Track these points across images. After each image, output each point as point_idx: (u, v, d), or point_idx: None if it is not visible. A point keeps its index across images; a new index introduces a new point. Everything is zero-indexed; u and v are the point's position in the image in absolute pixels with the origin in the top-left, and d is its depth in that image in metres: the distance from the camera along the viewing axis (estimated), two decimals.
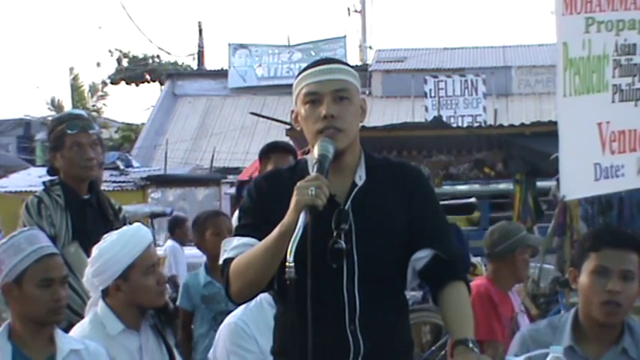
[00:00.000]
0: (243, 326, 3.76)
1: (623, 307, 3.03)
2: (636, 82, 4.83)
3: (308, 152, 2.78)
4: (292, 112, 2.81)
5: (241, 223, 2.78)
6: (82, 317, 3.55)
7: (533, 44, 28.05)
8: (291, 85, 2.87)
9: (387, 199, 2.75)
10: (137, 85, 34.75)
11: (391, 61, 28.02)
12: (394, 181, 2.79)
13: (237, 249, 2.70)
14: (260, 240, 2.63)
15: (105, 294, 3.38)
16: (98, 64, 42.29)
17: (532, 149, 9.42)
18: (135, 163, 20.66)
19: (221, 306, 4.91)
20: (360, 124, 2.82)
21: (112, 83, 34.40)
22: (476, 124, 17.97)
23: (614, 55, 4.80)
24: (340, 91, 2.72)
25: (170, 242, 10.56)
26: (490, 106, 23.59)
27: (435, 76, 23.90)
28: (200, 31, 32.21)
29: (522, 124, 11.12)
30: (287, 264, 2.42)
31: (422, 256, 2.73)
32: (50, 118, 14.60)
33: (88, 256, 3.49)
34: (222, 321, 4.79)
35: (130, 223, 3.78)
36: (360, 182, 2.75)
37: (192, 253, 8.69)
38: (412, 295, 7.64)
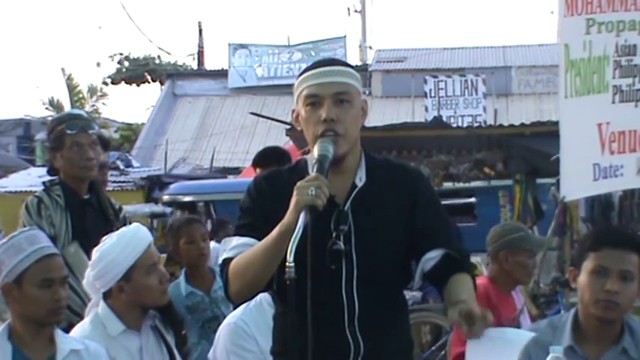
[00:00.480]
0: (243, 326, 3.76)
1: (621, 306, 3.03)
2: (636, 83, 4.83)
3: (308, 152, 2.78)
4: (293, 111, 2.81)
5: (241, 223, 2.77)
6: (82, 318, 3.55)
7: (533, 44, 28.07)
8: (291, 85, 2.87)
9: (387, 201, 2.75)
10: (137, 85, 34.77)
11: (391, 61, 28.01)
12: (394, 183, 2.78)
13: (236, 249, 2.69)
14: (260, 240, 2.62)
15: (107, 295, 3.38)
16: (98, 64, 42.20)
17: (532, 149, 9.43)
18: (135, 163, 20.64)
19: (207, 314, 4.85)
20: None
21: (112, 83, 34.41)
22: (476, 124, 17.99)
23: (615, 56, 4.81)
24: (341, 94, 2.71)
25: (213, 244, 10.50)
26: (490, 106, 23.60)
27: (435, 76, 23.91)
28: (200, 31, 32.22)
29: (522, 124, 11.13)
30: (287, 264, 2.42)
31: (433, 256, 2.73)
32: (50, 118, 14.60)
33: (89, 256, 3.49)
34: (210, 327, 4.80)
35: (130, 223, 3.79)
36: (360, 183, 2.75)
37: None
38: (412, 295, 7.65)
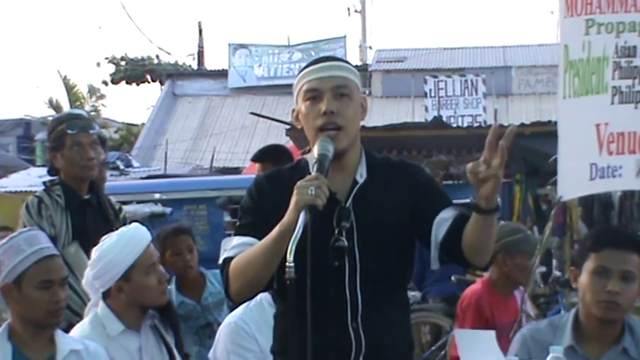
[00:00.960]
0: (244, 326, 3.76)
1: (622, 306, 3.04)
2: (636, 85, 4.82)
3: (308, 152, 2.79)
4: (293, 110, 2.82)
5: (241, 223, 2.78)
6: (81, 318, 3.55)
7: (533, 44, 28.04)
8: (291, 85, 2.87)
9: (388, 196, 2.75)
10: (137, 85, 34.75)
11: (391, 61, 27.99)
12: (395, 179, 2.79)
13: (236, 248, 2.70)
14: (260, 239, 2.63)
15: (106, 295, 3.38)
16: (98, 64, 42.12)
17: (532, 149, 9.42)
18: (135, 163, 20.63)
19: (200, 321, 4.86)
20: (361, 124, 2.82)
21: (112, 83, 34.40)
22: (476, 124, 17.95)
23: (614, 57, 4.79)
24: (341, 88, 2.72)
25: None
26: (490, 106, 23.57)
27: (435, 76, 23.88)
28: (200, 31, 32.19)
29: (522, 124, 11.11)
30: (287, 264, 2.42)
31: (446, 217, 2.66)
32: (50, 118, 14.59)
33: (88, 256, 3.49)
34: (204, 334, 4.81)
35: (129, 223, 3.79)
36: (361, 180, 2.76)
37: None
38: (412, 295, 7.65)
